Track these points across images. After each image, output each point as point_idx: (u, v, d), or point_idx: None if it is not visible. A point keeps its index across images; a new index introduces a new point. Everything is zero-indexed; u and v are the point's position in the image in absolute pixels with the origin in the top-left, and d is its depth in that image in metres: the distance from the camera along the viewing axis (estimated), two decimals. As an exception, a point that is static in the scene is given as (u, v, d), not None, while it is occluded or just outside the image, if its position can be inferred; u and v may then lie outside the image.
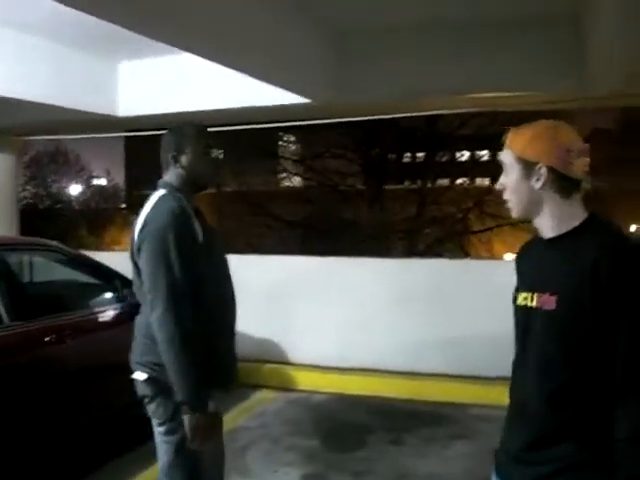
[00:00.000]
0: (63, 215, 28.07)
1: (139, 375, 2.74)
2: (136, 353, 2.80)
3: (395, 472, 4.61)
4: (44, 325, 4.23)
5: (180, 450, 2.67)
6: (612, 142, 25.25)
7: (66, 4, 3.50)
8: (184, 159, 2.77)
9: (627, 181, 23.49)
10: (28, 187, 27.92)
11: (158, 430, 2.77)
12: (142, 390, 2.76)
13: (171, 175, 2.79)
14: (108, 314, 4.86)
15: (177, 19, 4.14)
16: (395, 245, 19.66)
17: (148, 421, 2.83)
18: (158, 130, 8.61)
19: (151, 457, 4.76)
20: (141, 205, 2.77)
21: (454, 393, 6.03)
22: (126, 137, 27.10)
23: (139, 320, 2.82)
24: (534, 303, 1.81)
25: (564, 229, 1.81)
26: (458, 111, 8.23)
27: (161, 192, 2.74)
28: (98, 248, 20.89)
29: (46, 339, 4.16)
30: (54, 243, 5.07)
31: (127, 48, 6.51)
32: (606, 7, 4.14)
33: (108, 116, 7.16)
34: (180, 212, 2.64)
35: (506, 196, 1.88)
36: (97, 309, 4.84)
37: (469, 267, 7.13)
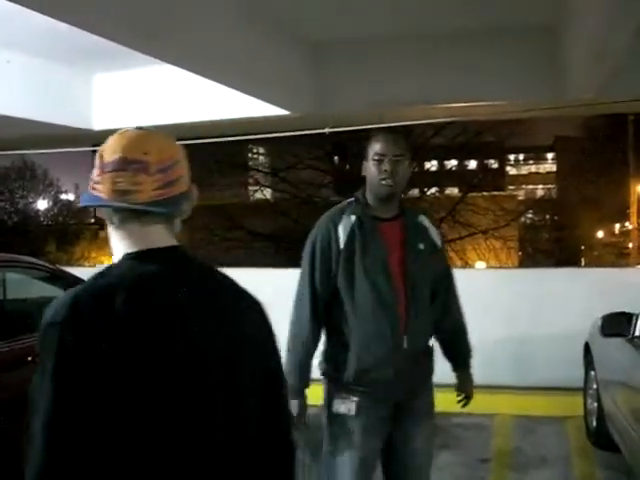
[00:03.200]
0: (31, 231, 27.67)
1: None
2: None
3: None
4: (26, 344, 4.11)
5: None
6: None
7: (55, 17, 3.43)
8: (364, 166, 2.72)
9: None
10: (-5, 203, 27.52)
11: None
12: None
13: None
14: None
15: (160, 32, 4.10)
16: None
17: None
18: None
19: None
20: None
21: (437, 402, 5.99)
22: (93, 152, 26.74)
23: None
24: None
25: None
26: (435, 121, 8.25)
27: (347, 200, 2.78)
28: (67, 264, 20.57)
29: (29, 359, 4.04)
30: (33, 259, 4.94)
31: (101, 60, 6.43)
32: (587, 13, 4.20)
33: (82, 130, 7.05)
34: (326, 219, 2.69)
35: None
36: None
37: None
